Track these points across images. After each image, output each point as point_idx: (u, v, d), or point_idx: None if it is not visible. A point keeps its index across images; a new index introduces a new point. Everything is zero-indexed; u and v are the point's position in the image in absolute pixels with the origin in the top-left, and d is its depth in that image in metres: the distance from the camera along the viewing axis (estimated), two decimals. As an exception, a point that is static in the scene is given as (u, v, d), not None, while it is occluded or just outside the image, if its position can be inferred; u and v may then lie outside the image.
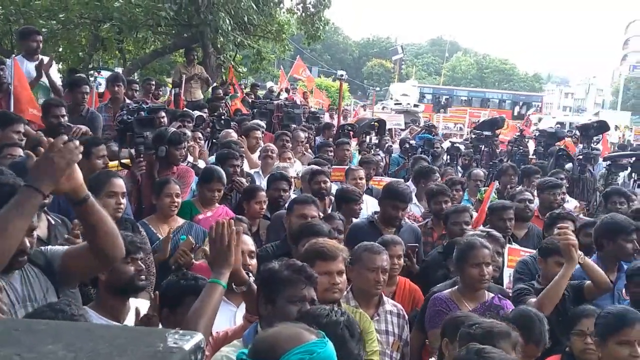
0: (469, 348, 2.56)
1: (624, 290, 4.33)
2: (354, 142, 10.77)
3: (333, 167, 7.61)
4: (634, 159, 9.74)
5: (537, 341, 3.39)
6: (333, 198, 6.17)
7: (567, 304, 4.05)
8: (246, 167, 7.49)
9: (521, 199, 6.33)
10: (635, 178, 9.14)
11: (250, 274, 3.42)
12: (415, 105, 27.37)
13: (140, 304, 3.13)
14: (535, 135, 14.73)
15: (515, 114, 28.22)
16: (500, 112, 27.85)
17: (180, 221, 4.96)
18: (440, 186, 6.47)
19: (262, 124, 9.36)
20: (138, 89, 10.49)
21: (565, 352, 3.74)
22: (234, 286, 2.97)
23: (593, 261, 4.35)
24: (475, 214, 6.25)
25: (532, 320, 3.44)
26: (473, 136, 12.59)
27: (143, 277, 3.18)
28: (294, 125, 9.82)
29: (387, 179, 7.74)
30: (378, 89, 39.72)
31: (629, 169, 9.38)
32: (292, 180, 6.57)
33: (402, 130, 16.62)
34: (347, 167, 7.57)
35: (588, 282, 4.28)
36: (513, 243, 5.55)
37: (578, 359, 3.62)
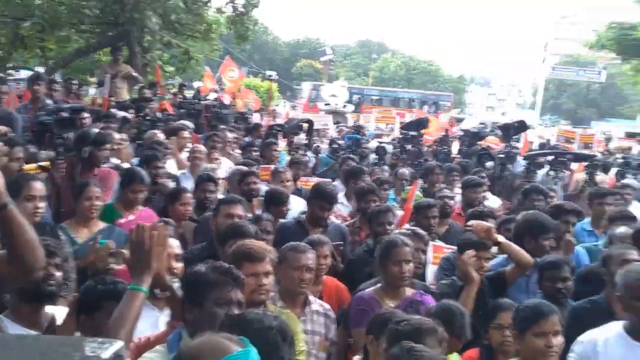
0: (401, 346, 2.61)
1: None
2: (283, 143, 10.77)
3: (261, 166, 7.60)
4: (551, 157, 10.16)
5: (459, 335, 3.49)
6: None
7: (486, 297, 4.19)
8: (174, 169, 7.39)
9: (440, 196, 6.51)
10: (553, 175, 9.52)
11: (176, 279, 3.38)
12: (344, 106, 27.62)
13: (58, 312, 3.03)
14: (458, 135, 15.13)
15: (425, 112, 28.68)
16: (410, 111, 28.39)
17: (101, 225, 4.82)
18: (371, 186, 6.54)
19: (190, 124, 9.24)
20: (58, 88, 10.15)
21: (484, 345, 3.85)
22: (156, 292, 2.92)
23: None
24: (400, 213, 6.37)
25: (453, 314, 3.54)
26: (400, 136, 12.80)
27: (53, 282, 3.08)
28: (222, 126, 9.74)
29: (315, 180, 7.78)
30: (312, 87, 39.83)
31: (547, 166, 9.76)
32: (220, 181, 6.52)
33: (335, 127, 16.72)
34: (274, 167, 7.57)
35: (508, 267, 4.46)
36: (437, 240, 5.68)
37: (496, 352, 3.74)
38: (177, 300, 2.94)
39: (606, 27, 24.98)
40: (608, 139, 23.16)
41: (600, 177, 10.19)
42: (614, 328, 3.45)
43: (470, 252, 4.26)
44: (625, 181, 9.18)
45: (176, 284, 3.28)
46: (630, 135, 28.99)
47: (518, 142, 12.43)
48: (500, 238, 4.47)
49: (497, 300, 4.03)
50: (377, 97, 41.99)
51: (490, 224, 4.23)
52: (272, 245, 4.36)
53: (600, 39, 25.26)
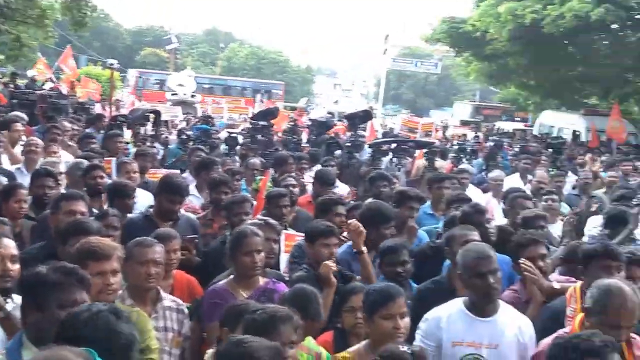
0: (229, 340, 2.61)
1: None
2: (128, 134, 10.37)
3: (104, 159, 7.24)
4: (394, 145, 10.65)
5: (313, 317, 3.55)
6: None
7: (339, 282, 4.28)
8: (7, 164, 6.86)
9: (285, 185, 6.58)
10: (396, 162, 9.99)
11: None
12: (193, 96, 27.08)
13: None
14: (307, 124, 15.42)
15: (257, 101, 28.81)
16: (244, 100, 28.49)
17: None
18: (223, 176, 6.46)
19: (24, 116, 8.62)
20: None
21: (337, 328, 3.93)
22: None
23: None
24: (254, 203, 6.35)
25: (308, 298, 3.59)
26: (250, 126, 12.79)
27: None
28: (59, 117, 9.17)
29: (163, 172, 7.56)
30: (138, 74, 38.59)
31: (391, 154, 10.22)
32: (60, 176, 6.12)
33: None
34: (116, 159, 7.26)
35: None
36: (289, 229, 5.74)
37: (349, 334, 3.83)
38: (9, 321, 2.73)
39: (439, 21, 26.49)
40: (445, 127, 24.68)
41: (439, 163, 10.82)
42: (456, 305, 3.65)
43: (330, 264, 4.29)
44: (462, 166, 9.83)
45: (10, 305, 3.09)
46: (464, 123, 31.15)
47: (364, 130, 12.89)
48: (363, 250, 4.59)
49: (349, 284, 4.14)
50: (209, 86, 41.39)
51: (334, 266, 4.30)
52: (119, 241, 4.19)
53: (434, 33, 26.73)
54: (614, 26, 20.20)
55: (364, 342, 3.48)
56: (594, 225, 6.22)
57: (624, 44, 20.59)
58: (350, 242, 5.14)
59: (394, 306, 3.36)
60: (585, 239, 5.81)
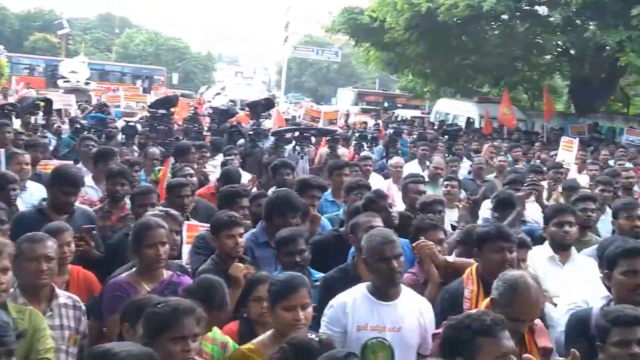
0: (92, 350, 2.57)
1: None
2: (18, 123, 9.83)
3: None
4: (297, 133, 10.66)
5: (219, 306, 3.51)
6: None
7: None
8: None
9: (183, 175, 6.46)
10: (299, 150, 10.01)
11: None
12: (87, 83, 26.02)
13: None
14: (208, 112, 15.17)
15: (138, 87, 27.94)
16: (123, 85, 27.69)
17: None
18: (120, 167, 6.24)
19: None
20: None
21: (244, 317, 3.91)
22: None
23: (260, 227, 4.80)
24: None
25: (213, 288, 3.55)
26: (148, 114, 12.43)
27: None
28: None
29: (55, 163, 7.21)
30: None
31: (293, 142, 10.22)
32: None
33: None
34: (5, 150, 6.85)
35: None
36: (191, 219, 5.63)
37: (255, 324, 3.81)
38: None
39: (339, 12, 26.76)
40: (347, 115, 25.00)
41: (341, 150, 10.96)
42: (360, 290, 3.71)
43: (240, 266, 4.25)
44: (364, 153, 9.98)
45: None
46: (365, 111, 31.69)
47: (267, 119, 12.81)
48: None
49: (256, 274, 4.12)
50: (88, 71, 39.89)
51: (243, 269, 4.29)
52: (9, 237, 3.97)
53: (334, 24, 26.99)
54: (504, 16, 21.09)
55: (268, 333, 3.47)
56: (487, 209, 6.50)
57: (513, 34, 21.55)
58: (252, 230, 5.13)
59: (295, 297, 3.36)
60: (479, 222, 6.06)
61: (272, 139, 10.40)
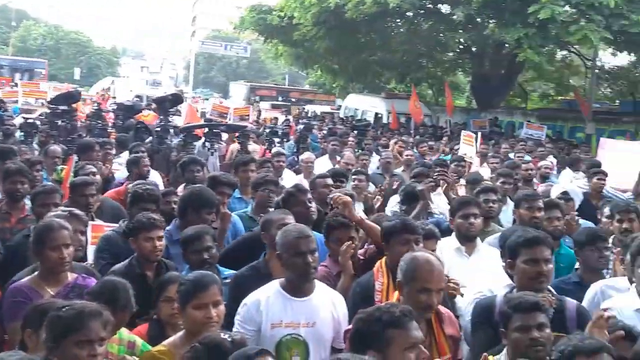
0: None
1: None
2: None
3: None
4: (207, 129, 10.52)
5: (123, 308, 3.43)
6: None
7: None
8: None
9: (85, 173, 6.25)
10: (209, 147, 9.88)
11: None
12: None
13: None
14: (113, 108, 14.72)
15: (17, 80, 26.72)
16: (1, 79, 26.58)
17: None
18: (19, 165, 5.95)
19: None
20: None
21: (153, 319, 3.84)
22: None
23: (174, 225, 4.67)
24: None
25: (117, 290, 3.46)
26: (48, 111, 11.91)
27: None
28: None
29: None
30: None
31: (203, 138, 10.07)
32: None
33: None
34: None
35: None
36: (96, 219, 5.45)
37: (166, 325, 3.74)
38: None
39: (246, 10, 26.56)
40: (259, 111, 24.94)
41: (252, 146, 10.91)
42: (273, 287, 3.68)
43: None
44: (276, 149, 9.98)
45: None
46: (275, 107, 31.68)
47: (175, 115, 12.57)
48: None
49: (165, 274, 4.05)
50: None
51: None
52: None
53: (243, 21, 26.76)
54: (409, 14, 21.62)
55: (180, 333, 3.41)
56: (395, 202, 6.65)
57: (418, 32, 22.13)
58: (167, 227, 5.00)
59: (206, 295, 3.32)
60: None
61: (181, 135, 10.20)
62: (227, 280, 4.22)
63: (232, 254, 4.90)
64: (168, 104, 11.58)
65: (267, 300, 3.60)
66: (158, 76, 79.51)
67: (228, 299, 3.79)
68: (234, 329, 3.49)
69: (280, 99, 39.09)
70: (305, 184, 7.62)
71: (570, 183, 9.02)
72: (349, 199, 4.48)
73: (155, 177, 7.68)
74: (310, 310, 3.62)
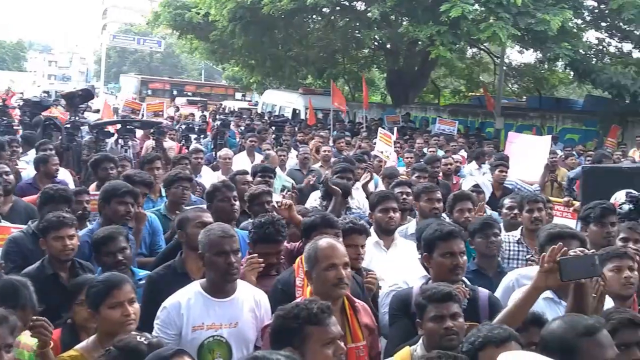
0: None
1: None
2: None
3: None
4: (120, 125, 10.22)
5: (23, 307, 3.28)
6: None
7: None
8: None
9: None
10: (122, 144, 9.60)
11: None
12: None
13: None
14: (19, 104, 14.07)
15: None
16: None
17: None
18: None
19: None
20: None
21: (66, 324, 3.73)
22: None
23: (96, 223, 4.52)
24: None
25: (17, 289, 3.33)
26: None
27: None
28: None
29: None
30: None
31: (116, 135, 9.78)
32: None
33: None
34: None
35: None
36: (2, 221, 5.21)
37: (80, 329, 3.63)
38: None
39: (161, 6, 25.88)
40: (177, 108, 24.52)
41: (168, 143, 10.71)
42: (194, 288, 3.59)
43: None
44: (194, 146, 9.83)
45: None
46: (191, 103, 31.14)
47: (86, 111, 12.14)
48: None
49: (80, 276, 3.95)
50: None
51: None
52: None
53: (157, 17, 26.09)
54: (326, 10, 21.74)
55: (92, 337, 3.30)
56: (315, 198, 6.68)
57: (334, 28, 22.28)
58: (90, 227, 5.01)
59: (120, 293, 3.25)
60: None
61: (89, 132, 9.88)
62: (142, 282, 4.12)
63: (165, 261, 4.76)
64: (78, 99, 11.16)
65: (187, 303, 3.50)
66: (67, 71, 76.66)
67: (143, 300, 3.70)
68: (154, 334, 3.38)
69: (174, 92, 38.28)
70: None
71: (483, 176, 9.34)
72: (291, 202, 4.44)
73: (65, 176, 7.40)
74: (232, 311, 3.55)
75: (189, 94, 37.59)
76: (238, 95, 40.27)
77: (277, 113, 24.30)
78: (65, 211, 4.54)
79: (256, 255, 4.10)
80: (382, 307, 4.16)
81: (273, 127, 14.83)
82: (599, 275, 3.11)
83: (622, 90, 16.43)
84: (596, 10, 19.26)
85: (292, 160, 10.08)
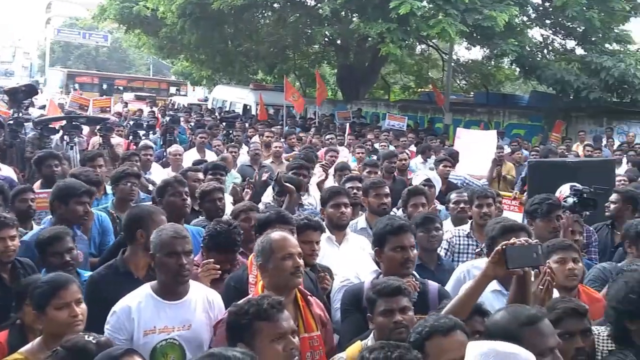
0: None
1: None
2: None
3: None
4: (65, 121, 9.97)
5: None
6: None
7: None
8: None
9: None
10: (68, 140, 9.37)
11: None
12: None
13: None
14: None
15: None
16: None
17: None
18: None
19: None
20: None
21: (15, 324, 3.63)
22: None
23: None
24: None
25: None
26: None
27: None
28: None
29: None
30: None
31: (61, 131, 9.54)
32: None
33: None
34: None
35: None
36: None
37: (29, 330, 3.53)
38: None
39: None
40: (125, 104, 24.06)
41: (115, 139, 10.51)
42: (144, 291, 3.49)
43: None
44: (144, 142, 9.66)
45: None
46: (139, 98, 30.63)
47: (30, 107, 11.83)
48: None
49: (31, 276, 3.86)
50: None
51: None
52: None
53: (103, 11, 25.51)
54: (276, 5, 21.67)
55: (37, 339, 3.21)
56: (269, 194, 6.66)
57: (285, 23, 22.22)
58: (42, 226, 4.91)
59: (66, 293, 3.18)
60: (261, 206, 6.20)
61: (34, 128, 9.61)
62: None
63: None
64: (21, 95, 10.84)
65: (138, 306, 3.41)
66: (10, 66, 74.31)
67: (86, 301, 3.61)
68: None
69: (104, 86, 37.51)
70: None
71: (431, 171, 9.48)
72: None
73: (9, 173, 7.20)
74: (184, 313, 3.48)
75: (120, 88, 36.81)
76: (172, 89, 39.85)
77: (227, 109, 24.11)
78: (6, 211, 4.42)
79: (212, 260, 4.06)
80: (334, 303, 4.17)
81: (224, 123, 14.71)
82: (542, 264, 3.18)
83: (566, 86, 16.91)
84: (541, 8, 19.76)
85: (243, 157, 10.02)
